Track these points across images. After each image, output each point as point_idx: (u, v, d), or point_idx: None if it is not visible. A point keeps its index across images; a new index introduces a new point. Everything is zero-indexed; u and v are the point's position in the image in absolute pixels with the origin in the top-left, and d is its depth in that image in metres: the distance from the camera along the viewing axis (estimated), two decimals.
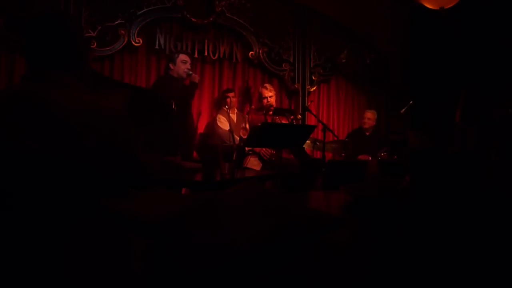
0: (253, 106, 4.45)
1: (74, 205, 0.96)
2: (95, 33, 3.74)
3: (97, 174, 0.98)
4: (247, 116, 4.21)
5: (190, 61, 3.67)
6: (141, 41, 3.99)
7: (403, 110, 4.37)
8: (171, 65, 3.62)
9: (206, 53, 4.39)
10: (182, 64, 3.58)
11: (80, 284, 0.90)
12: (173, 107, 3.13)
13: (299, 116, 4.91)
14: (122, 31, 3.86)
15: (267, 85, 4.29)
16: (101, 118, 1.02)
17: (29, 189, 0.95)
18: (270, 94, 4.13)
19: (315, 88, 5.13)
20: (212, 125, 4.25)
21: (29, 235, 0.93)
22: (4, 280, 0.90)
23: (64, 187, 0.96)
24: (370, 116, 4.86)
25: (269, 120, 4.02)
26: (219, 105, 4.39)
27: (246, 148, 3.88)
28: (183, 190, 3.02)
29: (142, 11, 3.97)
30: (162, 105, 3.13)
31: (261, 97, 4.19)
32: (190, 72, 3.59)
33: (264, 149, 3.90)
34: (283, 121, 4.03)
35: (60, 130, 0.97)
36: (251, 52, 4.63)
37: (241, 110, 4.54)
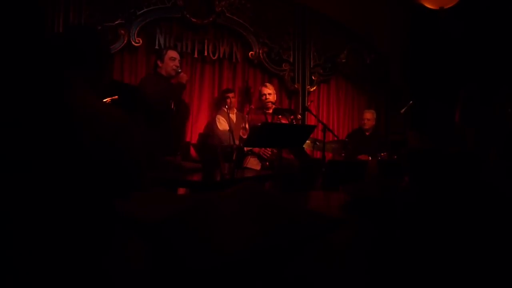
0: (252, 106, 4.45)
1: (79, 206, 0.96)
2: None
3: (100, 176, 0.99)
4: (247, 116, 4.22)
5: (179, 57, 3.41)
6: (141, 41, 3.99)
7: (403, 110, 4.37)
8: (159, 62, 3.34)
9: (206, 53, 4.39)
10: (171, 61, 3.31)
11: (82, 283, 0.90)
12: (172, 107, 3.10)
13: (299, 116, 4.91)
14: (122, 31, 3.86)
15: (266, 83, 4.32)
16: (108, 124, 1.02)
17: (36, 189, 0.95)
18: (269, 92, 4.15)
19: (315, 88, 5.13)
20: (211, 125, 4.25)
21: (34, 233, 0.93)
22: (7, 279, 0.90)
23: (69, 188, 0.96)
24: (369, 117, 4.87)
25: (269, 120, 4.02)
26: (218, 105, 4.39)
27: (245, 148, 3.88)
28: (182, 190, 3.02)
29: (142, 11, 3.97)
30: (146, 104, 2.97)
31: (260, 95, 4.21)
32: (179, 70, 3.32)
33: (263, 149, 3.91)
34: (283, 121, 4.03)
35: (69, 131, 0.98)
36: (251, 52, 4.63)
37: (240, 110, 4.55)
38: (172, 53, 3.35)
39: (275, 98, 4.25)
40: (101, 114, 1.03)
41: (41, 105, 1.00)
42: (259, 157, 3.94)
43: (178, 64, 3.34)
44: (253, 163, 3.93)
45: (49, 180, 0.95)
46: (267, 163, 3.90)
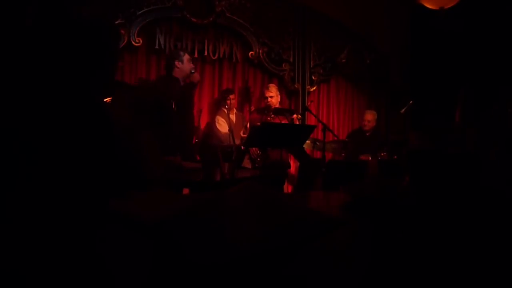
0: (252, 108, 4.46)
1: (83, 206, 0.96)
2: None
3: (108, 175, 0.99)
4: (248, 116, 4.23)
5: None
6: (141, 41, 3.99)
7: (403, 110, 4.36)
8: (177, 63, 3.35)
9: (206, 53, 4.39)
10: (189, 63, 3.40)
11: (83, 283, 0.90)
12: (173, 107, 3.11)
13: (299, 116, 4.91)
14: (122, 31, 3.86)
15: (269, 85, 4.32)
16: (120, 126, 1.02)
17: (41, 186, 0.95)
18: (270, 94, 4.14)
19: (315, 88, 5.13)
20: (211, 126, 4.25)
21: (38, 231, 0.93)
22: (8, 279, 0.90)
23: (74, 187, 0.96)
24: (369, 118, 4.86)
25: (269, 120, 4.03)
26: (218, 105, 4.39)
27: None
28: (187, 191, 3.02)
29: (142, 11, 3.97)
30: (162, 105, 3.05)
31: (264, 98, 4.22)
32: (193, 71, 3.44)
33: (253, 148, 3.91)
34: (283, 121, 4.03)
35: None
36: (251, 52, 4.63)
37: (240, 110, 4.55)
38: (188, 56, 3.44)
39: (278, 100, 4.24)
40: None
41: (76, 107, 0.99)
42: (250, 157, 3.95)
43: (193, 65, 3.45)
44: (244, 162, 3.95)
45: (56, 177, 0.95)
46: (256, 164, 3.91)
